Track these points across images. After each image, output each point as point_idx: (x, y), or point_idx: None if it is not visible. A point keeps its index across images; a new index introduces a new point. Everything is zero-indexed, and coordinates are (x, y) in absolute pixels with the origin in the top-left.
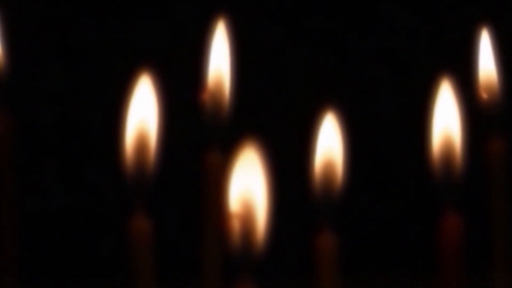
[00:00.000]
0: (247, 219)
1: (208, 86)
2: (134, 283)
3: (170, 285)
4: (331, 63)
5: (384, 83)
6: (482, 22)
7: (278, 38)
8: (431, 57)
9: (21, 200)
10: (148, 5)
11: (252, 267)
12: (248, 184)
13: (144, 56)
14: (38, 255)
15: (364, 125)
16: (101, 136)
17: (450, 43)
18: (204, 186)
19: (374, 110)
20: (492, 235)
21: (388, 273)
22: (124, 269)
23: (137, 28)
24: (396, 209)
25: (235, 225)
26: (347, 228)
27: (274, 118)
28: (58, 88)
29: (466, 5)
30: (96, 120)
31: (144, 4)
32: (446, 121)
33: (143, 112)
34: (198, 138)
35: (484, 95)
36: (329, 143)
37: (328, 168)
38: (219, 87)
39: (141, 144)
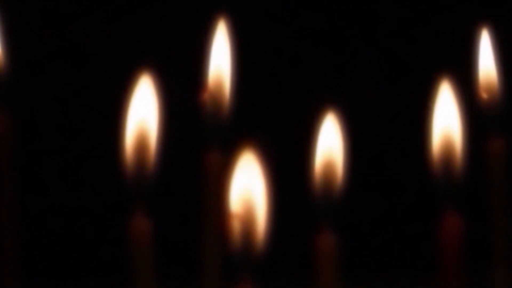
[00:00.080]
0: (247, 219)
1: (208, 86)
2: (134, 283)
3: (170, 285)
4: (331, 63)
5: (384, 83)
6: (482, 22)
7: (278, 38)
8: (431, 57)
9: (21, 200)
10: (148, 5)
11: (252, 267)
12: (248, 184)
13: (144, 56)
14: (38, 255)
15: (364, 125)
16: (101, 136)
17: (450, 43)
18: (204, 186)
19: (374, 110)
20: (492, 235)
21: (388, 273)
22: (124, 269)
23: (137, 28)
24: (396, 209)
25: (235, 225)
26: (347, 228)
27: (274, 118)
28: (58, 88)
29: (466, 5)
30: (96, 120)
31: (144, 4)
32: (446, 121)
33: (143, 112)
34: (198, 138)
35: (484, 95)
36: (329, 143)
37: (328, 168)
38: (219, 87)
39: (141, 144)
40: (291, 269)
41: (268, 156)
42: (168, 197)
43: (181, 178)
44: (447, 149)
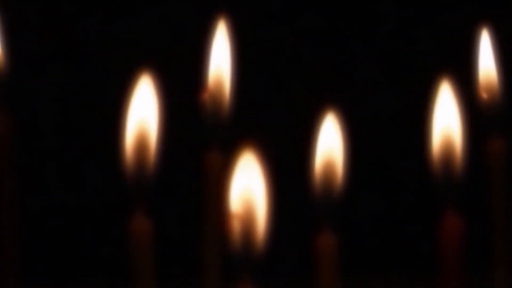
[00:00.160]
0: (247, 219)
1: (208, 86)
2: (134, 283)
3: (170, 285)
4: (331, 63)
5: (384, 83)
6: (482, 22)
7: (278, 38)
8: (431, 57)
9: (21, 200)
10: (148, 5)
11: (252, 267)
12: (248, 184)
13: (144, 56)
14: (38, 255)
15: (364, 125)
16: (101, 136)
17: (450, 43)
18: (204, 186)
19: (374, 110)
20: (492, 235)
21: (388, 273)
22: (124, 269)
23: (137, 28)
24: (396, 209)
25: (235, 225)
26: (347, 228)
27: (274, 118)
28: (58, 88)
29: (466, 5)
30: (96, 120)
31: (144, 4)
32: (446, 121)
33: (143, 112)
34: (198, 138)
35: (484, 95)
36: (329, 143)
37: (328, 168)
38: (219, 87)
39: (141, 144)
40: (291, 269)
41: (268, 156)
42: (168, 197)
43: (181, 178)
44: (447, 149)
